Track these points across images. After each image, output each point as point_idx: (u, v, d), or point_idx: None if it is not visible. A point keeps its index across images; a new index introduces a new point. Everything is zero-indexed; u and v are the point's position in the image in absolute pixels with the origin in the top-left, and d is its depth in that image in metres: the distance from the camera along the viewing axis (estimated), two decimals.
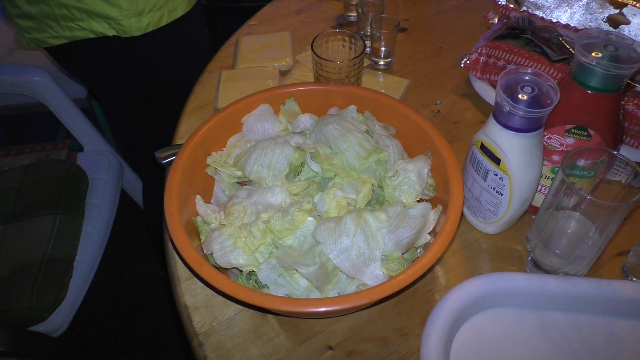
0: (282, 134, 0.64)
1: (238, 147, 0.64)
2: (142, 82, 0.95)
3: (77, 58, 0.93)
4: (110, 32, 0.86)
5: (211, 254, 0.54)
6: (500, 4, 0.79)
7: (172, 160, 0.66)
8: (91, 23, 0.85)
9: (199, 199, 0.60)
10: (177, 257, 0.63)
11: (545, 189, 0.62)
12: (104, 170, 1.22)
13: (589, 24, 0.72)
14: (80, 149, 1.29)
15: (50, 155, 1.26)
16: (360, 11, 0.92)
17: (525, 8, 0.77)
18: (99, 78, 0.97)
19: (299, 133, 0.64)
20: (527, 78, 0.54)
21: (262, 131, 0.65)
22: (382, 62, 0.89)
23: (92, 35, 0.86)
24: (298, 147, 0.61)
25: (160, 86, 0.97)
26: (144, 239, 1.61)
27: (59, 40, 0.88)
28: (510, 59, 0.77)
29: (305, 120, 0.65)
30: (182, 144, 0.61)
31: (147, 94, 0.97)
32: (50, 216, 1.06)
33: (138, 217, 1.47)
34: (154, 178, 1.15)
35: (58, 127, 1.55)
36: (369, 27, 0.90)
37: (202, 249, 0.55)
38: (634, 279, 0.58)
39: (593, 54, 0.52)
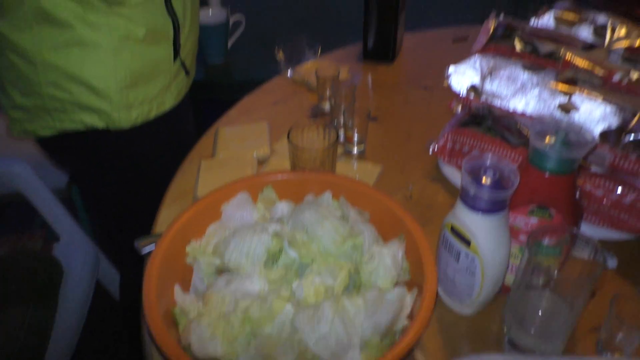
0: (260, 222, 0.66)
1: (217, 235, 0.66)
2: (127, 172, 0.98)
3: (65, 148, 0.95)
4: (100, 125, 0.89)
5: (189, 345, 0.53)
6: (461, 95, 0.85)
7: (151, 250, 0.67)
8: (82, 115, 0.88)
9: (177, 289, 0.60)
10: (155, 349, 0.61)
11: (516, 269, 0.64)
12: (79, 261, 1.21)
13: (543, 111, 0.78)
14: (57, 238, 1.28)
15: (25, 245, 1.25)
16: (333, 102, 0.97)
17: (484, 98, 0.83)
18: (83, 167, 0.99)
19: (277, 220, 0.66)
20: (489, 162, 0.58)
21: (241, 219, 0.67)
22: (355, 150, 0.94)
23: (81, 127, 0.89)
24: (276, 235, 0.63)
25: (144, 176, 0.99)
26: (118, 332, 1.56)
27: (49, 131, 0.90)
28: (474, 145, 0.82)
29: (283, 207, 0.68)
30: (161, 233, 0.62)
31: (130, 184, 0.99)
32: (22, 308, 1.03)
33: (113, 310, 1.43)
34: (132, 268, 1.14)
35: (35, 216, 1.54)
36: (342, 117, 0.95)
37: (180, 340, 0.55)
38: (609, 354, 0.59)
39: (546, 139, 0.57)
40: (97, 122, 0.89)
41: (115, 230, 1.10)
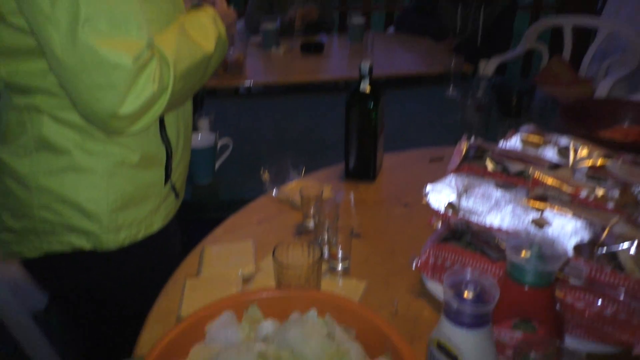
0: (245, 342, 0.65)
1: (201, 356, 0.64)
2: (110, 294, 0.96)
3: (49, 270, 0.94)
4: (87, 246, 0.90)
5: None
6: (440, 212, 0.89)
7: None
8: (70, 237, 0.89)
9: None
10: None
11: None
12: None
13: (518, 226, 0.82)
14: None
15: None
16: (317, 220, 1.00)
17: (462, 214, 0.87)
18: (66, 289, 0.97)
19: (262, 339, 0.66)
20: (469, 277, 0.60)
21: (225, 339, 0.66)
22: (339, 266, 0.95)
23: (68, 249, 0.90)
24: (261, 355, 0.62)
25: (128, 298, 0.97)
26: None
27: (35, 252, 0.90)
28: (455, 259, 0.84)
29: (268, 326, 0.67)
30: (143, 356, 0.61)
31: (113, 306, 0.97)
32: None
33: None
34: None
35: (8, 340, 1.47)
36: (326, 234, 0.98)
37: None
38: None
39: (522, 253, 0.59)
40: (84, 244, 0.90)
41: (94, 354, 1.05)
